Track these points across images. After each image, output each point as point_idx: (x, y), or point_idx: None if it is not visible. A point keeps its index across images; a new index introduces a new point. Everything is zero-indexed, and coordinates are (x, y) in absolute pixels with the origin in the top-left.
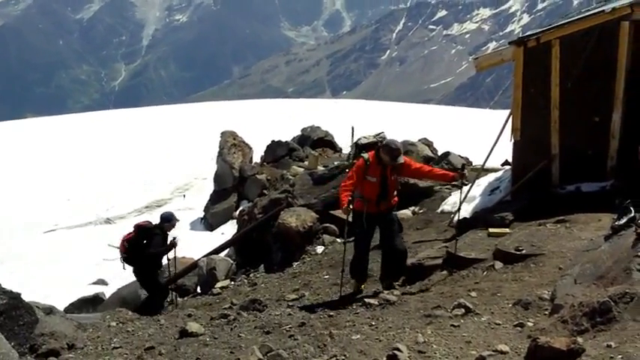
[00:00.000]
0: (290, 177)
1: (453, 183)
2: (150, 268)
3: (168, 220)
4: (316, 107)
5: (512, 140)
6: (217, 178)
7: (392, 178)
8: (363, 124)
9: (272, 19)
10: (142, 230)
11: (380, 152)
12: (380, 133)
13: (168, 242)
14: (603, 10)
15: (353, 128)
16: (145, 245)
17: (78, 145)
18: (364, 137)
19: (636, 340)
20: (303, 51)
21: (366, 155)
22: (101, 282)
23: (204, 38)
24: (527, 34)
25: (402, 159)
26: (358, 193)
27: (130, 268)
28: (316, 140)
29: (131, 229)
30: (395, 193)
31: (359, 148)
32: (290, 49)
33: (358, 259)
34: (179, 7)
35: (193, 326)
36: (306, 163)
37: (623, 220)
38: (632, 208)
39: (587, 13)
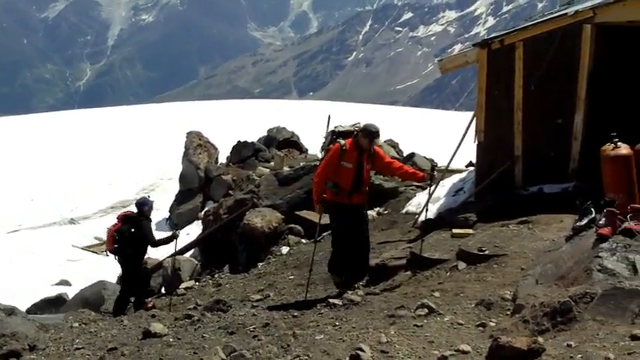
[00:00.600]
0: (256, 178)
1: (419, 184)
2: (139, 257)
3: (145, 204)
4: (282, 108)
5: (476, 142)
6: (183, 178)
7: (367, 167)
8: (330, 124)
9: (239, 20)
10: (128, 219)
11: (358, 136)
12: (356, 123)
13: (169, 235)
14: (566, 13)
15: (329, 117)
16: (134, 234)
17: (42, 144)
18: (341, 126)
19: (595, 340)
20: (269, 52)
21: (342, 141)
22: (64, 283)
23: (171, 38)
24: (490, 36)
25: (379, 142)
26: (332, 183)
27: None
28: (282, 141)
29: (114, 222)
30: (366, 188)
31: (335, 135)
32: (257, 49)
33: (339, 254)
34: (145, 7)
35: (157, 327)
36: (271, 163)
37: (584, 222)
38: (592, 210)
39: (550, 16)
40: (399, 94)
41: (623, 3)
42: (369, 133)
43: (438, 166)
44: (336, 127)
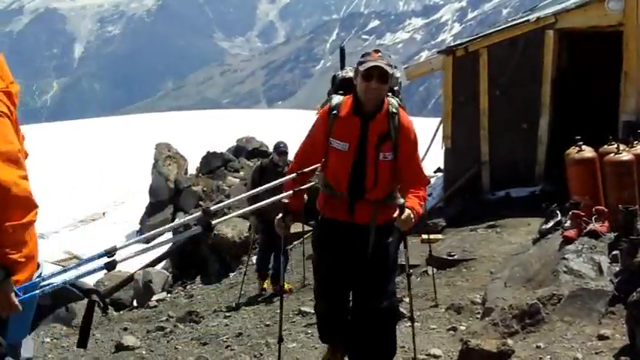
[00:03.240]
0: (225, 188)
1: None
2: None
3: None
4: (251, 118)
5: (444, 148)
6: (152, 190)
7: (381, 153)
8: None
9: (205, 31)
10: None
11: (356, 69)
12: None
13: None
14: (528, 20)
15: (342, 49)
16: None
17: None
18: (347, 70)
19: (564, 340)
20: (237, 62)
21: (336, 98)
22: None
23: (137, 50)
24: (455, 43)
25: (396, 86)
26: (323, 180)
27: None
28: (251, 151)
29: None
30: (393, 192)
31: (336, 87)
32: (224, 60)
33: (325, 315)
34: (111, 19)
35: (129, 340)
36: (241, 173)
37: (550, 224)
38: (558, 212)
39: (513, 23)
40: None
41: (584, 9)
42: (367, 54)
43: None
44: (338, 74)
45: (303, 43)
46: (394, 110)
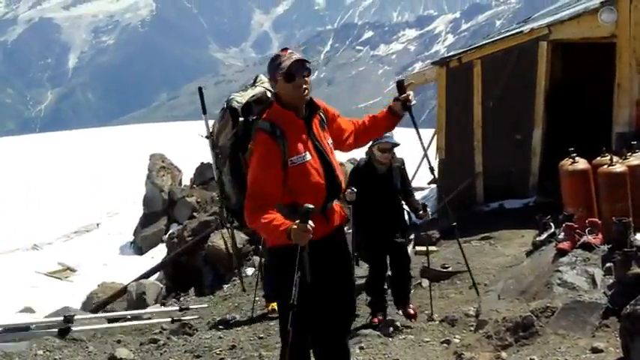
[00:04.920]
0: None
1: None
2: None
3: None
4: None
5: (438, 159)
6: (146, 201)
7: (328, 142)
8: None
9: (200, 41)
10: None
11: (274, 76)
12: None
13: None
14: (522, 31)
15: (201, 89)
16: None
17: (3, 170)
18: (237, 94)
19: (557, 353)
20: (231, 72)
21: (262, 122)
22: (28, 310)
23: (132, 60)
24: (449, 54)
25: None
26: (286, 207)
27: None
28: None
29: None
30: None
31: (233, 116)
32: (218, 70)
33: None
34: (105, 29)
35: (122, 352)
36: None
37: (544, 236)
38: (551, 224)
39: (506, 34)
40: (361, 112)
41: (577, 20)
42: (277, 55)
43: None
44: (229, 100)
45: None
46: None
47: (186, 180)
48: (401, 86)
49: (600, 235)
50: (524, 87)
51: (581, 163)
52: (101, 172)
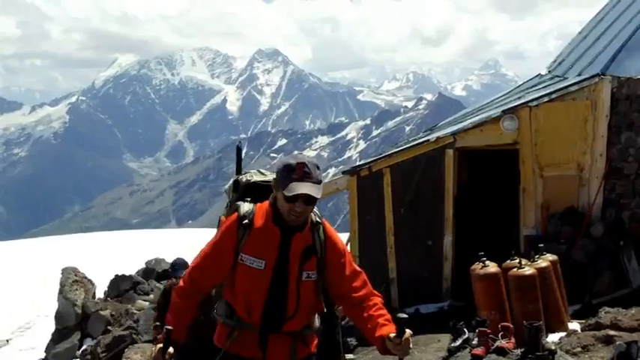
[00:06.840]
0: (135, 312)
1: None
2: None
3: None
4: (161, 238)
5: None
6: (59, 316)
7: (305, 272)
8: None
9: (114, 152)
10: None
11: (277, 193)
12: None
13: None
14: (428, 140)
15: (239, 148)
16: None
17: None
18: (250, 173)
19: None
20: (146, 182)
21: (246, 205)
22: None
23: (45, 172)
24: (359, 163)
25: (318, 194)
26: (223, 305)
27: None
28: (161, 273)
29: None
30: (313, 318)
31: (241, 193)
32: (133, 180)
33: None
34: (17, 142)
35: None
36: (151, 296)
37: (458, 342)
38: (465, 330)
39: (414, 143)
40: None
41: (480, 129)
42: (291, 169)
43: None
44: (240, 177)
45: (212, 162)
46: (317, 219)
47: (100, 293)
48: (401, 326)
49: (513, 339)
50: (433, 193)
51: (492, 267)
52: (12, 287)
